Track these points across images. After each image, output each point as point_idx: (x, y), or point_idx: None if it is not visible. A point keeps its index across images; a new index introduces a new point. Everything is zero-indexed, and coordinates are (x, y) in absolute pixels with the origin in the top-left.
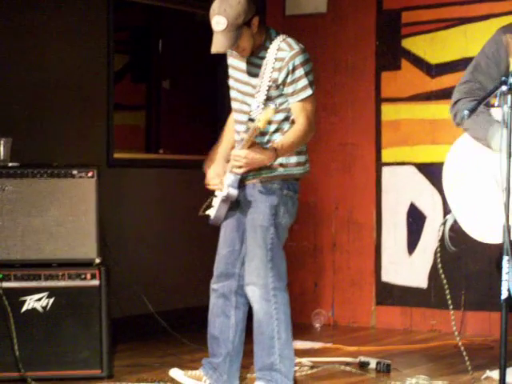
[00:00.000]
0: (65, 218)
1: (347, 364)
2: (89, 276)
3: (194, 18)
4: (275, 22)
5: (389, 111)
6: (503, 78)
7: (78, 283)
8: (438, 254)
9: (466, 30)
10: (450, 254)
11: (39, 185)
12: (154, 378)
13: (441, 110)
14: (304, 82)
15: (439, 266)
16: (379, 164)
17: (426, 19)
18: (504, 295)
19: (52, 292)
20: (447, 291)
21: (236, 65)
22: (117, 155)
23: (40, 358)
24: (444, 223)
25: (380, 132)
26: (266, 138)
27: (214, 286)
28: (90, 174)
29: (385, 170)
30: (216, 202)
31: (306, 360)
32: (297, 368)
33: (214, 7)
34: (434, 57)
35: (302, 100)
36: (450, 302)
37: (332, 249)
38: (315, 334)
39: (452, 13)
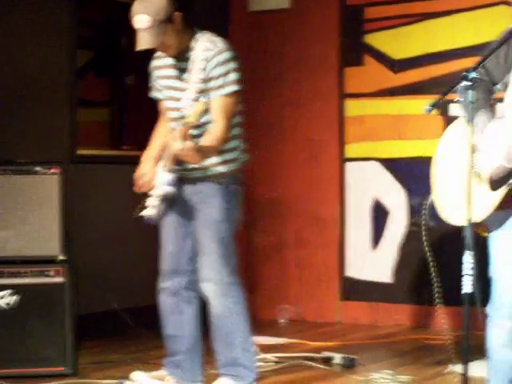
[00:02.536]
0: (29, 215)
1: (312, 359)
2: (53, 273)
3: None
4: (239, 18)
5: (353, 107)
6: (464, 73)
7: (42, 280)
8: (424, 238)
9: (428, 25)
10: (417, 249)
11: (2, 182)
12: (119, 374)
13: (405, 106)
14: (229, 77)
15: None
16: (343, 159)
17: (389, 15)
18: (465, 290)
19: (16, 289)
20: (437, 286)
21: (163, 66)
22: (81, 151)
23: (4, 355)
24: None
25: (343, 127)
26: (199, 130)
27: (163, 284)
28: (53, 171)
29: (349, 166)
30: (152, 201)
31: (271, 356)
32: (262, 364)
33: (135, 6)
34: (397, 52)
35: (225, 95)
36: (436, 295)
37: (297, 244)
38: (280, 329)
39: (414, 8)
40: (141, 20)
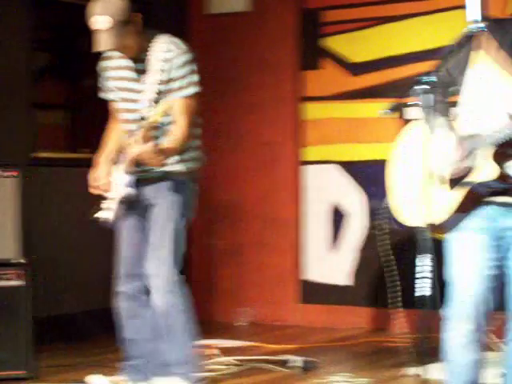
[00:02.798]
0: None
1: (271, 362)
2: (11, 276)
3: None
4: (197, 21)
5: (311, 110)
6: (421, 76)
7: (0, 283)
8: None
9: (385, 29)
10: (375, 252)
11: None
12: (78, 378)
13: (363, 109)
14: (189, 79)
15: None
16: (302, 162)
17: (347, 18)
18: (420, 292)
19: None
20: (395, 289)
21: (119, 66)
22: (38, 154)
23: None
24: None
25: (302, 131)
26: (160, 132)
27: (121, 288)
28: (10, 174)
29: (308, 169)
30: (110, 203)
31: (229, 358)
32: (222, 366)
33: (94, 6)
34: (354, 56)
35: (186, 96)
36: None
37: (255, 247)
38: (239, 332)
39: (372, 12)
40: (100, 21)
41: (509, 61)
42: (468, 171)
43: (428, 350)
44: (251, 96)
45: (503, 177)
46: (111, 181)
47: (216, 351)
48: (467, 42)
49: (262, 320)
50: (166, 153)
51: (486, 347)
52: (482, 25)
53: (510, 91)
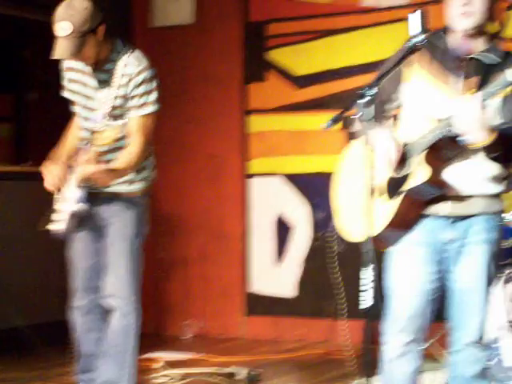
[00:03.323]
0: None
1: (217, 374)
2: None
3: None
4: (141, 34)
5: (256, 122)
6: (360, 90)
7: None
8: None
9: (329, 42)
10: (319, 262)
11: None
12: None
13: (307, 121)
14: (149, 97)
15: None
16: (247, 175)
17: (291, 31)
18: (363, 305)
19: None
20: (340, 300)
21: (80, 70)
22: None
23: None
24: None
25: (247, 143)
26: (110, 154)
27: (78, 302)
28: None
29: (253, 181)
30: (60, 215)
31: (175, 371)
32: (167, 379)
33: (59, 12)
34: (298, 68)
35: (144, 115)
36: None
37: (200, 260)
38: (185, 344)
39: (316, 25)
40: (64, 28)
41: (441, 72)
42: (405, 179)
43: (372, 361)
44: (196, 108)
45: (438, 181)
46: (65, 191)
47: (162, 364)
48: (406, 54)
49: (207, 333)
50: (118, 174)
51: (429, 358)
52: (423, 38)
53: (441, 100)
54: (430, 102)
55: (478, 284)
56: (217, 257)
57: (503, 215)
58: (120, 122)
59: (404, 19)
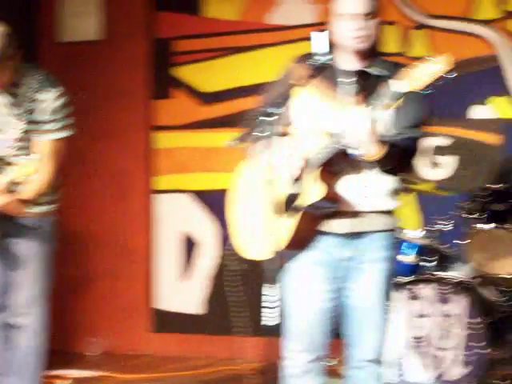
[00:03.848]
0: None
1: None
2: None
3: None
4: (47, 49)
5: (162, 139)
6: (264, 108)
7: None
8: (225, 278)
9: (236, 59)
10: (227, 280)
11: None
12: None
13: (214, 138)
14: (61, 122)
15: (228, 291)
16: (153, 191)
17: (198, 48)
18: (267, 322)
19: None
20: (234, 316)
21: None
22: None
23: None
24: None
25: (153, 160)
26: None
27: None
28: None
29: (160, 198)
30: None
31: None
32: None
33: None
34: (205, 85)
35: (57, 140)
36: (237, 327)
37: (106, 277)
38: (93, 362)
39: (223, 42)
40: None
41: (329, 87)
42: (300, 195)
43: (276, 377)
44: (103, 125)
45: (334, 197)
46: None
47: (69, 382)
48: (314, 73)
49: (114, 350)
50: (28, 202)
51: (334, 375)
52: (329, 57)
53: (330, 115)
54: (321, 117)
55: (374, 302)
56: (124, 273)
57: (405, 231)
58: (34, 156)
59: (310, 38)
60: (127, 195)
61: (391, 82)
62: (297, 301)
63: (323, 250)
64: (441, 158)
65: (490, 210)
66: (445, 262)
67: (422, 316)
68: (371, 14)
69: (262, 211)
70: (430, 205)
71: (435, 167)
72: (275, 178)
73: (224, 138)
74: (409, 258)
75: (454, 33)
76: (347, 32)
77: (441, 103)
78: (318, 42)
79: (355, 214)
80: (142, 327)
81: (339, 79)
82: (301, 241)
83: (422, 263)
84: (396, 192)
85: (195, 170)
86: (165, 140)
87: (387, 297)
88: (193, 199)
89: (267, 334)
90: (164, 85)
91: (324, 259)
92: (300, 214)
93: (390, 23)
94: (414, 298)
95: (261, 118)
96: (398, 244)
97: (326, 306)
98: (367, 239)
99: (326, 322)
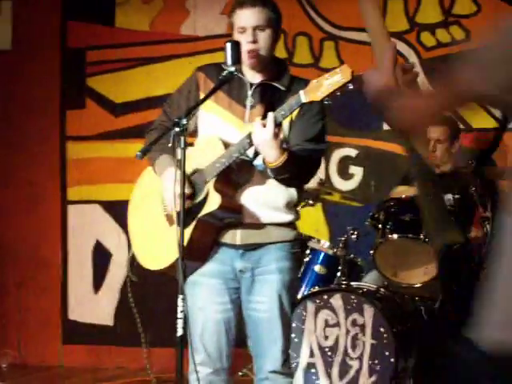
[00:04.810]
0: None
1: None
2: None
3: None
4: None
5: (74, 150)
6: (176, 119)
7: None
8: (129, 289)
9: (149, 69)
10: (137, 291)
11: None
12: None
13: (125, 149)
14: None
15: (132, 303)
16: (65, 202)
17: (111, 58)
18: (180, 332)
19: None
20: (140, 328)
21: None
22: None
23: None
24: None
25: (65, 170)
26: None
27: None
28: None
29: (71, 209)
30: None
31: None
32: None
33: None
34: (118, 96)
35: None
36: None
37: (18, 288)
38: (2, 374)
39: (136, 53)
40: None
41: (227, 101)
42: (199, 206)
43: None
44: (15, 135)
45: (229, 207)
46: None
47: None
48: (221, 84)
49: (25, 362)
50: None
51: None
52: (234, 68)
53: (229, 129)
54: (222, 127)
55: (272, 313)
56: (35, 284)
57: (314, 241)
58: None
59: (222, 49)
60: (40, 206)
61: (291, 93)
62: (194, 312)
63: (220, 261)
64: (350, 169)
65: (396, 220)
66: (354, 271)
67: (330, 326)
68: (262, 27)
69: (157, 221)
70: (343, 214)
71: (345, 177)
72: (173, 188)
73: (135, 148)
74: (317, 267)
75: (364, 44)
76: (242, 45)
77: (356, 115)
78: (230, 53)
79: (251, 226)
80: (54, 338)
81: (243, 90)
82: (197, 251)
83: (331, 273)
84: (294, 204)
85: (106, 181)
86: (77, 150)
87: (289, 307)
88: (103, 210)
89: (176, 346)
90: (76, 95)
91: (219, 270)
92: (194, 224)
93: (302, 34)
94: (323, 307)
95: (165, 128)
96: (308, 254)
97: (222, 317)
98: (262, 251)
99: (222, 333)
